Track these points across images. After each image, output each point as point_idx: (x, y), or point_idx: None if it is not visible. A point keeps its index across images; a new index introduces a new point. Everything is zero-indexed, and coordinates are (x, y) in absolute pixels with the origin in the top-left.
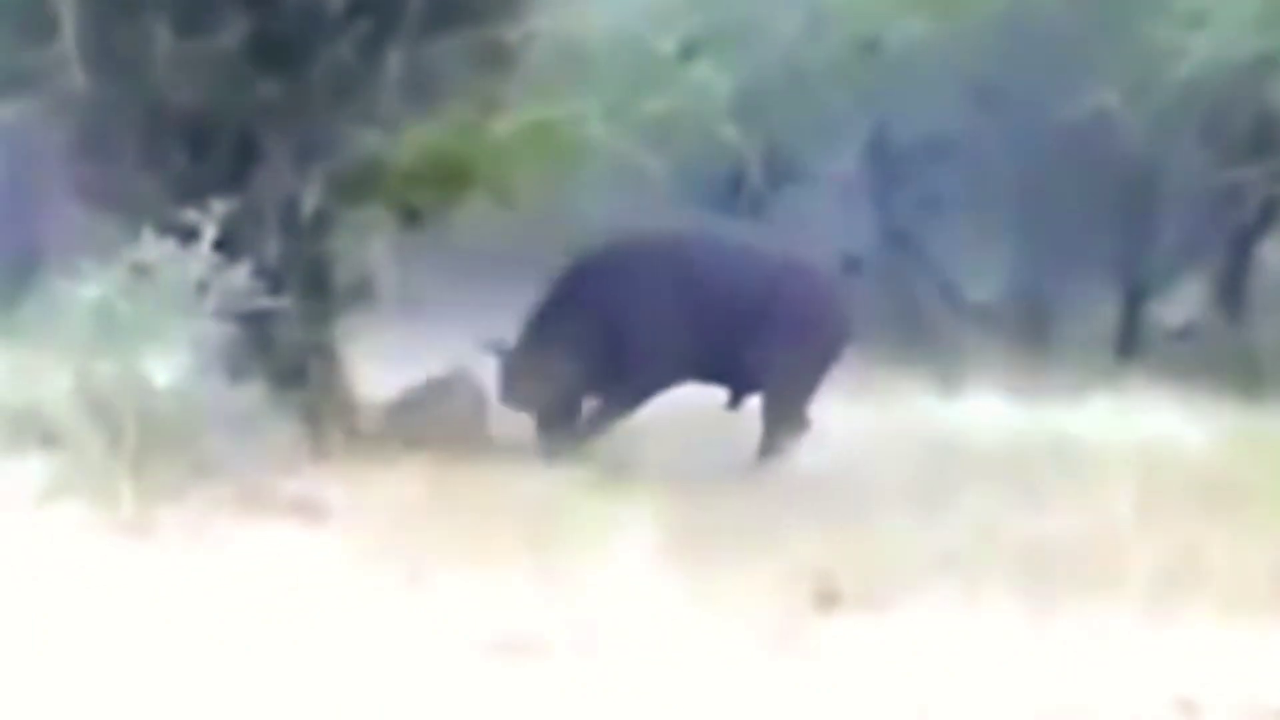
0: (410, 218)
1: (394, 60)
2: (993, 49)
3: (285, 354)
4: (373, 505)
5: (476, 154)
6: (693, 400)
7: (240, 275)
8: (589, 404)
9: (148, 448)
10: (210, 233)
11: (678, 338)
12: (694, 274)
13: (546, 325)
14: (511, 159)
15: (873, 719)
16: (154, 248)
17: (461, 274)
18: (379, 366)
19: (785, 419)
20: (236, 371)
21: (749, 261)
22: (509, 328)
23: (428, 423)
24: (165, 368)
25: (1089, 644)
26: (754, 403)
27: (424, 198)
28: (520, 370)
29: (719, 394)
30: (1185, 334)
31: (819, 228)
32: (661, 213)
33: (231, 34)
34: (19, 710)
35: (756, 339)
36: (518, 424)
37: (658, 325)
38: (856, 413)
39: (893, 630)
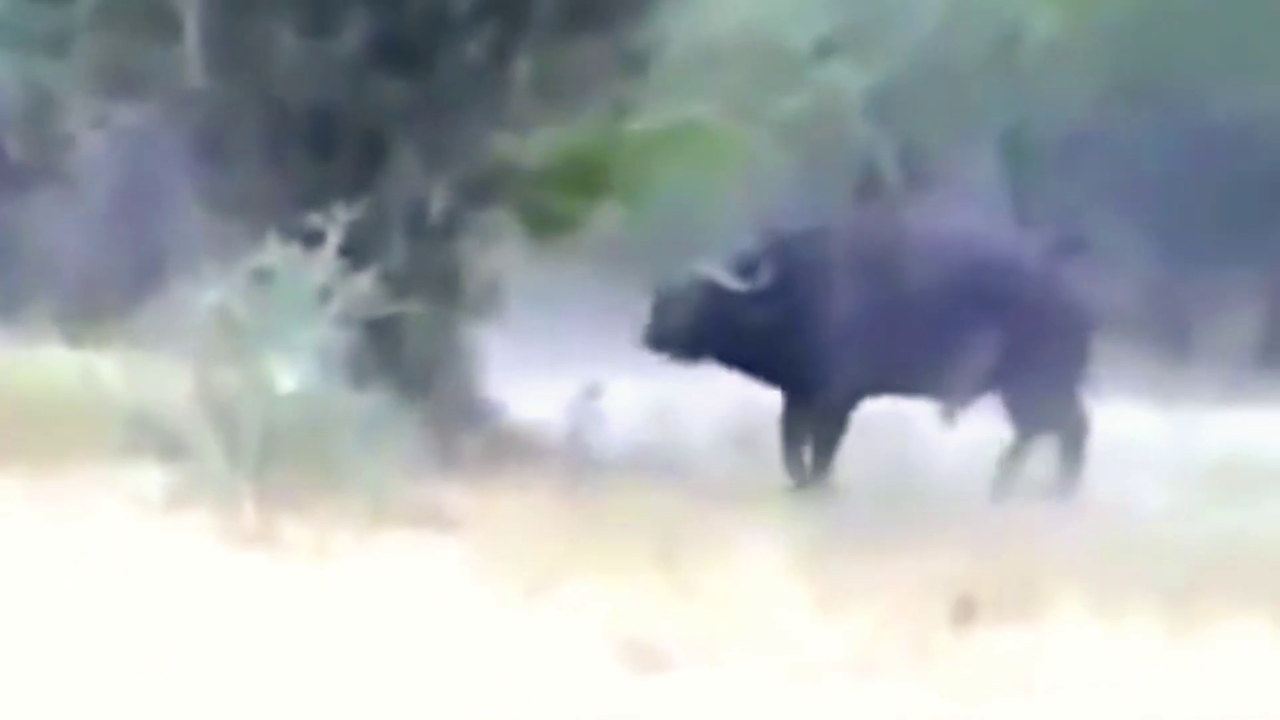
0: (543, 223)
1: (523, 62)
2: (1137, 43)
3: (412, 361)
4: (501, 515)
5: (609, 157)
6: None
7: (365, 281)
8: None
9: (270, 456)
10: (335, 237)
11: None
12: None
13: (723, 292)
14: (645, 161)
15: None
16: (277, 252)
17: (589, 277)
18: (507, 373)
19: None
20: (362, 378)
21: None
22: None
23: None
24: (288, 374)
25: (1233, 660)
26: None
27: (555, 202)
28: (673, 318)
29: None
30: None
31: None
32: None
33: (356, 34)
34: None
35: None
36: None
37: (851, 324)
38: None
39: (1032, 643)
